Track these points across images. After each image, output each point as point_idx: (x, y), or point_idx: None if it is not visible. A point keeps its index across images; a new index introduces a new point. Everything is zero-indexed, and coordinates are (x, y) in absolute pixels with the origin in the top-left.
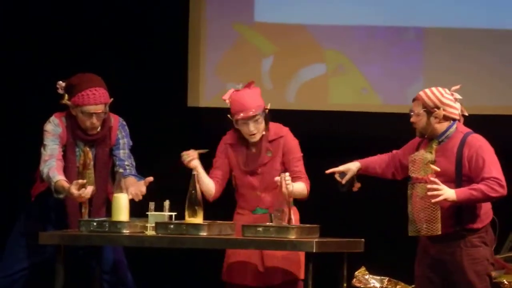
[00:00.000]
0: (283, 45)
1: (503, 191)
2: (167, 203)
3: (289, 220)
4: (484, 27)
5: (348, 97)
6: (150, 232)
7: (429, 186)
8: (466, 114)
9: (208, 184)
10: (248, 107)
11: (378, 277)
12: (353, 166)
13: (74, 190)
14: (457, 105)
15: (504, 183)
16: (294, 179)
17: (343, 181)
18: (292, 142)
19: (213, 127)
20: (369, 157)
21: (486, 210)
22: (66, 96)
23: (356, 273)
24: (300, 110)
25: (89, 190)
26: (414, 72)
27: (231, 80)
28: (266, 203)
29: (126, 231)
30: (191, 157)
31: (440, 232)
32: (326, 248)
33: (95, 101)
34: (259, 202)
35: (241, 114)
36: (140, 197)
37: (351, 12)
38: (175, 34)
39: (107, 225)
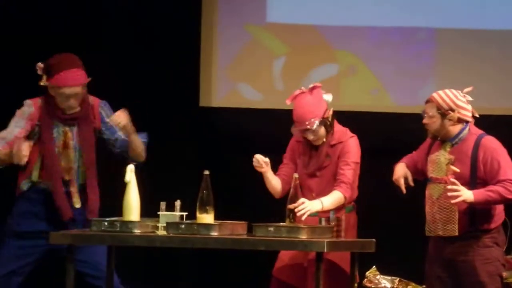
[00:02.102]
0: (295, 45)
1: None
2: (178, 203)
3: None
4: (496, 28)
5: (359, 98)
6: (161, 232)
7: (449, 186)
8: (477, 115)
9: (274, 184)
10: (303, 119)
11: (389, 277)
12: (405, 169)
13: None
14: (469, 107)
15: None
16: (335, 185)
17: (404, 190)
18: (349, 147)
19: (224, 126)
20: (403, 158)
21: (499, 211)
22: (45, 77)
23: (367, 273)
24: None
25: (24, 147)
26: (426, 72)
27: (243, 81)
28: None
29: (137, 231)
30: (259, 167)
31: (456, 233)
32: (337, 248)
33: (73, 82)
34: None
35: (296, 126)
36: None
37: (363, 13)
38: (188, 35)
39: (118, 225)
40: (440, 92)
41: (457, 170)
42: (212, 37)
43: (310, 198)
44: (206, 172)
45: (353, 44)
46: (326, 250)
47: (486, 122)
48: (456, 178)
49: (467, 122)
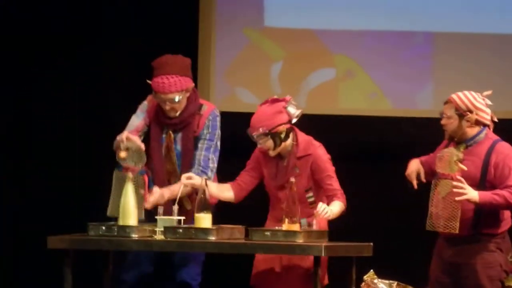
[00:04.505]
0: (293, 50)
1: None
2: (175, 207)
3: None
4: (494, 32)
5: (357, 102)
6: (159, 237)
7: (455, 183)
8: (496, 120)
9: (219, 193)
10: (252, 126)
11: (387, 281)
12: (419, 164)
13: (123, 134)
14: (488, 110)
15: None
16: (329, 197)
17: (415, 185)
18: (321, 160)
19: (222, 131)
20: (422, 156)
21: (505, 217)
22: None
23: (364, 277)
24: (310, 115)
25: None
26: (424, 76)
27: (240, 85)
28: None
29: (134, 236)
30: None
31: (457, 231)
32: (334, 252)
33: (164, 89)
34: (281, 216)
35: (248, 133)
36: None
37: (360, 17)
38: (185, 39)
39: (115, 229)
40: (459, 93)
41: (465, 168)
42: (210, 42)
43: (280, 209)
44: (204, 176)
45: (350, 48)
46: (324, 254)
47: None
48: (466, 179)
49: (485, 125)
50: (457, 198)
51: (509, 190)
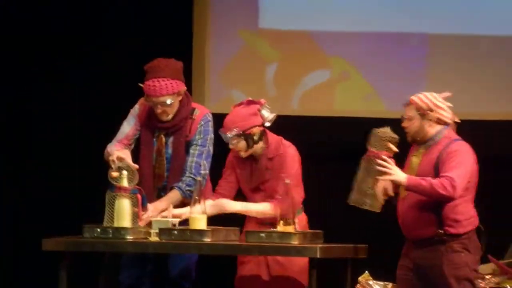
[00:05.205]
0: (288, 51)
1: (453, 193)
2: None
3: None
4: (489, 33)
5: (352, 103)
6: (154, 238)
7: (378, 161)
8: (458, 121)
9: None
10: (225, 126)
11: (382, 283)
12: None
13: (114, 155)
14: (449, 110)
15: (457, 185)
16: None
17: (382, 201)
18: (287, 159)
19: (217, 133)
20: None
21: (468, 217)
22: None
23: (359, 278)
24: (305, 116)
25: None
26: (419, 78)
27: (235, 87)
28: (267, 219)
29: (129, 237)
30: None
31: (379, 211)
32: (329, 254)
33: (155, 93)
34: (261, 218)
35: (220, 131)
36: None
37: (355, 19)
38: (180, 41)
39: (110, 231)
40: (419, 94)
41: (395, 149)
42: (205, 43)
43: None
44: (198, 178)
45: (345, 50)
46: (319, 256)
47: (481, 127)
48: (421, 177)
49: (446, 124)
50: (380, 178)
51: (438, 178)
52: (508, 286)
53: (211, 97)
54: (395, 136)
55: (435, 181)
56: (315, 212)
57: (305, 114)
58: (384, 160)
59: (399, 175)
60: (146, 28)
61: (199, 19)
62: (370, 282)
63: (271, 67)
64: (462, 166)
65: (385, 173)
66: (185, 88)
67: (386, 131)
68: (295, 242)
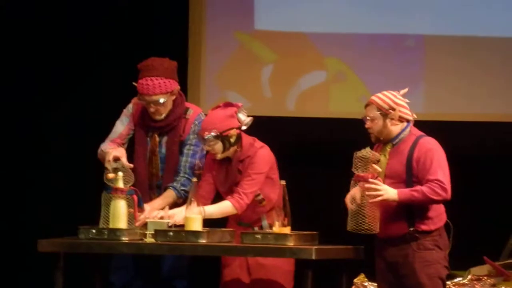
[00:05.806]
0: (283, 52)
1: (446, 195)
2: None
3: None
4: (485, 35)
5: (348, 105)
6: (150, 240)
7: (366, 185)
8: (416, 117)
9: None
10: (203, 128)
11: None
12: (355, 189)
13: (109, 155)
14: (408, 107)
15: (447, 187)
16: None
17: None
18: (254, 160)
19: None
20: None
21: (438, 213)
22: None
23: (355, 280)
24: (300, 118)
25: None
26: (414, 79)
27: (231, 88)
28: (244, 219)
29: (125, 239)
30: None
31: (378, 231)
32: (325, 255)
33: (148, 91)
34: (238, 218)
35: (198, 133)
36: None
37: (351, 20)
38: (176, 42)
39: (106, 232)
40: (378, 94)
41: (379, 169)
42: (200, 45)
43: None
44: (194, 179)
45: (341, 51)
46: (314, 257)
47: (479, 128)
48: (392, 177)
49: (408, 121)
50: (370, 200)
51: (428, 185)
52: (503, 287)
53: (207, 98)
54: (377, 155)
55: (426, 189)
56: (310, 213)
57: (300, 115)
58: (372, 183)
59: (390, 193)
60: (141, 29)
61: (194, 20)
62: (366, 284)
63: (267, 68)
64: (442, 164)
65: (375, 196)
66: (179, 87)
67: (367, 152)
68: (290, 243)
